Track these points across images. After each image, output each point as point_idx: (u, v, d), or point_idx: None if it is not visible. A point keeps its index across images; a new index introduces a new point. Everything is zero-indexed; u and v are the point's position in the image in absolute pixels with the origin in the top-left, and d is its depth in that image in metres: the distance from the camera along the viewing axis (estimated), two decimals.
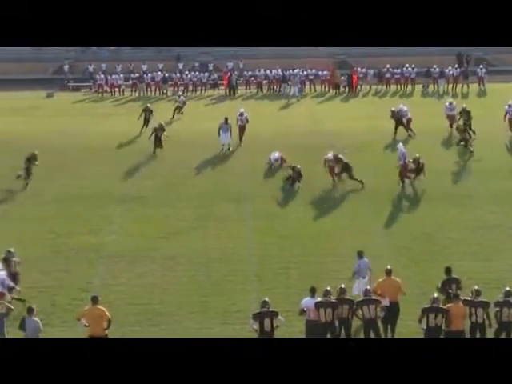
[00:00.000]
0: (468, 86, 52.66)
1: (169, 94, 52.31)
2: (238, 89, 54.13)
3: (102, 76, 55.14)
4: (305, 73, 54.92)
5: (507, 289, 16.92)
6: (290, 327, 17.76)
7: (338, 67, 56.36)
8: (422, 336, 16.37)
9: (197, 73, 55.82)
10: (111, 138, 38.10)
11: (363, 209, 27.00)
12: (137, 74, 55.62)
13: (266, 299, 16.68)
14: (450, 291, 17.50)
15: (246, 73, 55.96)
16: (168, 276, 21.74)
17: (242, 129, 36.09)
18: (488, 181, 29.94)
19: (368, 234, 24.64)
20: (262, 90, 54.59)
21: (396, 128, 36.88)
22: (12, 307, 16.78)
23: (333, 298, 17.02)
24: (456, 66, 54.69)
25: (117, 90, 54.65)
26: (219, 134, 35.31)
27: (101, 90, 54.68)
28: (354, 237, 24.27)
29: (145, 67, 56.95)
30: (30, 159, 29.98)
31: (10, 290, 18.70)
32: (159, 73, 54.89)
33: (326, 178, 30.24)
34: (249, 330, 16.96)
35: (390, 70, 54.61)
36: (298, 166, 29.80)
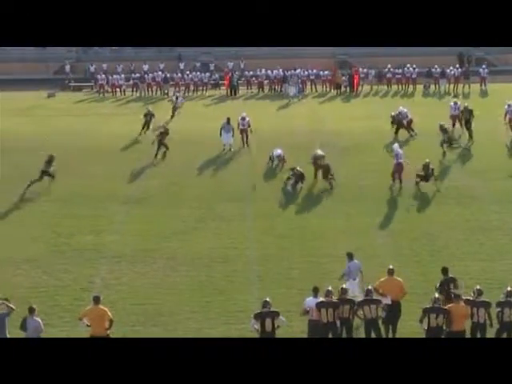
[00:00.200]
0: (469, 86, 52.67)
1: (170, 94, 52.30)
2: (239, 89, 54.13)
3: (104, 76, 55.16)
4: (306, 73, 54.92)
5: (508, 289, 16.91)
6: (291, 327, 17.76)
7: (339, 67, 56.35)
8: (423, 336, 16.37)
9: (198, 73, 55.83)
10: (113, 139, 38.12)
11: (364, 209, 26.98)
12: (137, 74, 55.61)
13: (267, 299, 16.69)
14: (453, 291, 17.49)
15: (247, 73, 55.97)
16: (169, 276, 21.75)
17: (244, 133, 35.83)
18: (489, 181, 29.94)
19: (369, 234, 24.65)
20: (263, 90, 54.60)
21: (397, 131, 36.87)
22: (13, 307, 16.77)
23: (334, 299, 17.03)
24: (457, 66, 54.69)
25: (118, 90, 54.66)
26: (221, 134, 35.34)
27: (102, 90, 54.71)
28: (354, 237, 24.27)
29: (146, 67, 56.95)
30: (49, 161, 29.84)
31: None
32: (160, 73, 54.88)
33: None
34: (250, 330, 16.97)
35: (392, 70, 54.61)
36: (299, 168, 29.77)
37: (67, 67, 60.78)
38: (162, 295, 20.47)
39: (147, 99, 52.23)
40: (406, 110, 37.82)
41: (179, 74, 55.74)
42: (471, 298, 16.80)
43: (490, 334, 16.68)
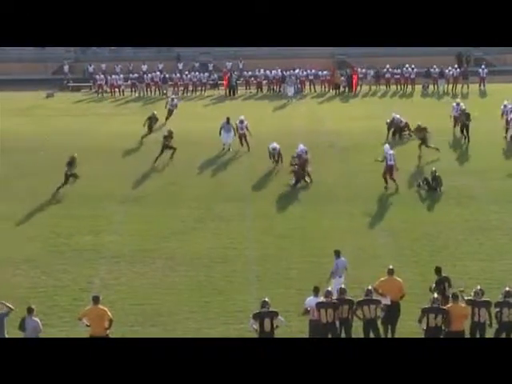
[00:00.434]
0: (468, 87, 52.66)
1: (169, 95, 52.27)
2: (238, 89, 54.12)
3: (102, 76, 55.12)
4: (305, 73, 54.92)
5: (507, 289, 16.92)
6: (289, 327, 17.76)
7: (338, 67, 56.34)
8: (422, 336, 16.37)
9: (197, 73, 55.80)
10: (111, 139, 38.10)
11: (363, 209, 26.99)
12: (136, 75, 55.61)
13: (266, 299, 16.68)
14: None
15: (245, 73, 55.96)
16: (168, 276, 21.75)
17: (243, 137, 35.54)
18: (489, 181, 29.95)
19: (368, 234, 24.67)
20: (261, 91, 54.59)
21: (394, 134, 36.78)
22: (12, 307, 16.76)
23: (333, 299, 17.03)
24: (456, 66, 54.69)
25: (117, 90, 54.63)
26: (220, 133, 35.37)
27: (101, 91, 54.66)
28: (354, 237, 24.29)
29: (145, 67, 56.94)
30: (71, 163, 29.78)
31: None
32: (158, 73, 54.86)
33: (326, 177, 30.31)
34: (249, 329, 16.97)
35: (390, 70, 54.61)
36: (297, 168, 29.84)
37: (66, 67, 60.73)
38: (160, 295, 20.47)
39: (146, 99, 52.23)
40: (398, 116, 37.59)
41: (178, 74, 55.72)
42: (472, 298, 16.81)
43: (489, 333, 16.69)
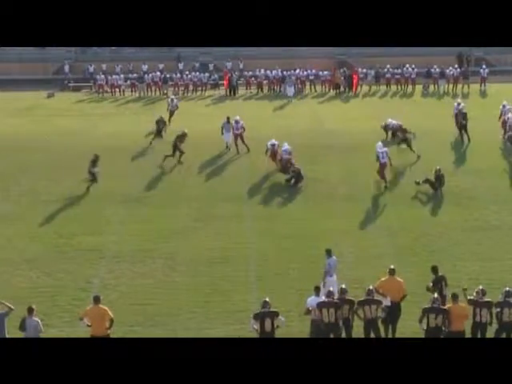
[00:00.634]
0: (468, 87, 52.66)
1: (169, 95, 52.27)
2: (239, 89, 54.11)
3: (103, 76, 55.12)
4: (305, 73, 54.90)
5: (507, 289, 16.93)
6: (290, 327, 17.77)
7: (339, 67, 56.31)
8: (422, 336, 16.37)
9: (197, 73, 55.78)
10: (112, 139, 38.08)
11: (363, 209, 27.01)
12: (135, 75, 55.61)
13: (267, 299, 16.69)
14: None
15: (246, 73, 55.94)
16: (169, 276, 21.76)
17: (239, 137, 35.30)
18: (489, 181, 29.96)
19: (368, 234, 24.68)
20: (262, 91, 54.57)
21: (394, 135, 36.72)
22: (12, 307, 16.76)
23: (334, 299, 17.04)
24: (456, 66, 54.68)
25: (117, 90, 54.63)
26: (222, 133, 35.40)
27: (101, 91, 54.65)
28: (354, 237, 24.32)
29: (145, 67, 56.93)
30: (95, 161, 29.77)
31: None
32: (158, 73, 54.85)
33: (326, 177, 30.32)
34: (249, 330, 16.97)
35: (391, 70, 54.59)
36: (298, 167, 29.84)
37: (66, 67, 60.71)
38: (161, 295, 20.47)
39: (146, 99, 52.23)
40: (390, 120, 37.51)
41: (178, 75, 55.69)
42: (474, 298, 16.82)
43: (489, 333, 16.70)
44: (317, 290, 17.44)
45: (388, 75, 54.57)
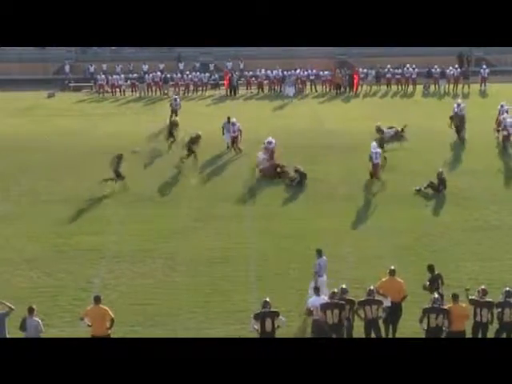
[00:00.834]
0: (469, 87, 52.66)
1: (170, 95, 52.30)
2: (239, 89, 54.11)
3: (103, 76, 55.14)
4: (306, 73, 54.90)
5: (507, 289, 16.93)
6: (291, 327, 17.76)
7: (339, 67, 56.32)
8: (423, 336, 16.37)
9: (198, 73, 55.79)
10: (112, 139, 38.07)
11: (363, 209, 27.02)
12: (135, 75, 55.64)
13: (267, 299, 16.68)
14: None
15: (246, 73, 55.94)
16: (169, 276, 21.75)
17: (234, 139, 35.14)
18: (488, 181, 29.96)
19: (369, 234, 24.66)
20: (262, 91, 54.57)
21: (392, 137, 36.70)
22: (13, 307, 16.76)
23: (335, 299, 17.01)
24: (457, 66, 54.67)
25: (117, 90, 54.65)
26: (223, 133, 35.39)
27: (102, 91, 54.68)
28: (354, 237, 24.31)
29: (145, 67, 56.94)
30: (119, 160, 29.75)
31: None
32: (159, 73, 54.85)
33: (327, 177, 30.32)
34: (249, 330, 16.96)
35: (391, 70, 54.59)
36: (299, 167, 29.87)
37: (67, 67, 60.73)
38: (161, 295, 20.47)
39: (147, 99, 52.23)
40: (383, 129, 37.45)
41: (179, 75, 55.70)
42: (475, 298, 16.82)
43: (490, 333, 16.70)
44: (316, 290, 17.43)
45: (389, 75, 54.59)
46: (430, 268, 18.57)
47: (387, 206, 27.20)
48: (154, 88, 54.29)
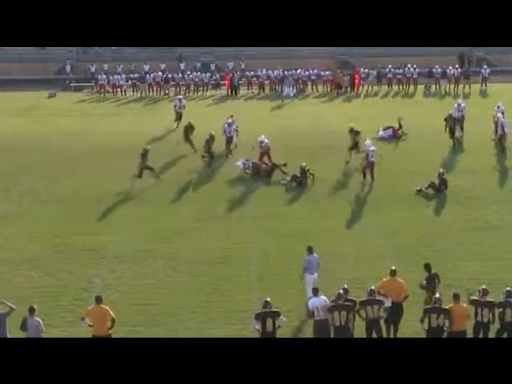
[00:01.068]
0: (469, 87, 52.65)
1: (171, 95, 52.32)
2: (240, 89, 54.11)
3: (104, 76, 55.16)
4: (307, 73, 54.90)
5: (508, 289, 16.92)
6: (291, 327, 17.76)
7: (340, 67, 56.32)
8: (424, 336, 16.36)
9: (199, 73, 55.81)
10: (113, 139, 38.10)
11: (364, 209, 27.01)
12: (136, 75, 55.67)
13: (268, 299, 16.67)
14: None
15: (247, 73, 55.94)
16: (170, 276, 21.75)
17: (230, 140, 34.84)
18: (489, 181, 29.95)
19: (369, 234, 24.66)
20: (263, 91, 54.57)
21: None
22: (14, 307, 16.76)
23: (332, 298, 16.99)
24: (457, 66, 54.66)
25: (119, 90, 54.67)
26: (224, 132, 35.38)
27: (103, 91, 54.70)
28: (354, 237, 24.31)
29: (146, 67, 56.95)
30: (144, 155, 29.77)
31: None
32: (160, 73, 54.86)
33: (327, 177, 30.33)
34: (250, 330, 16.95)
35: (392, 70, 54.58)
36: (306, 166, 29.88)
37: (68, 67, 60.76)
38: (162, 295, 20.47)
39: (148, 99, 52.24)
40: (381, 134, 37.45)
41: (180, 74, 55.72)
42: (476, 298, 16.82)
43: (491, 333, 16.68)
44: (315, 291, 17.39)
45: (390, 75, 54.59)
46: (427, 267, 18.56)
47: (388, 206, 27.19)
48: (155, 88, 54.31)
